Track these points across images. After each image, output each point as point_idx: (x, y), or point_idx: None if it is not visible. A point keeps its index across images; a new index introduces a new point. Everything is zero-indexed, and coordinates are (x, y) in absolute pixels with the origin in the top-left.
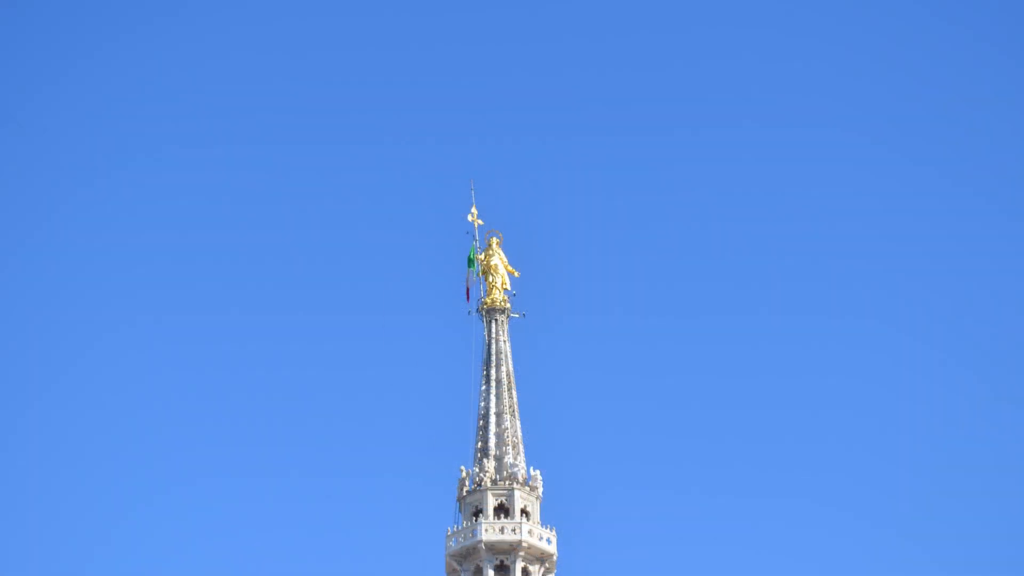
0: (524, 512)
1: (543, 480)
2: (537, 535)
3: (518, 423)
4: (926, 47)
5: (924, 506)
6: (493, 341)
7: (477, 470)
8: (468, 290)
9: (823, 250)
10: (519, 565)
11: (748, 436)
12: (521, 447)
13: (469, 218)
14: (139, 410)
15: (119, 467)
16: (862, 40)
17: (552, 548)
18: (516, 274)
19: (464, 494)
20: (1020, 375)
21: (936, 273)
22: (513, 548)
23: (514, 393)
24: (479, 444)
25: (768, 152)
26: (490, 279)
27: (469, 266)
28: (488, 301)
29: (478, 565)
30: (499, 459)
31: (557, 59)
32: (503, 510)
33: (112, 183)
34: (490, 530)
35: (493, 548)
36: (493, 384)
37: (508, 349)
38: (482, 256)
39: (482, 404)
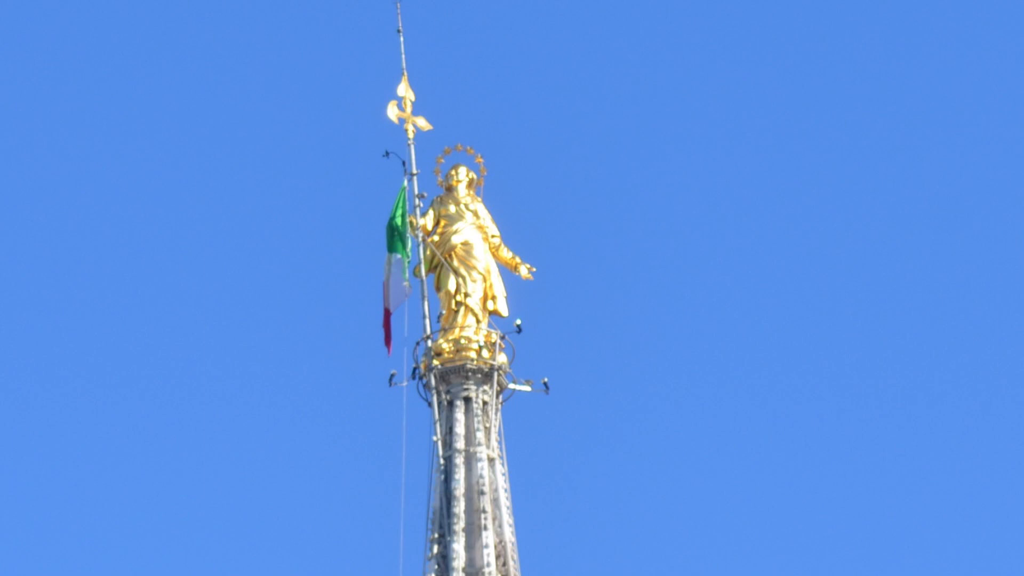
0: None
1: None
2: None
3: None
4: None
5: None
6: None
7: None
8: (388, 329)
9: None
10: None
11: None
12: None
13: (390, 110)
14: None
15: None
16: None
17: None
18: (530, 274)
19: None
20: None
21: None
22: None
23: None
24: None
25: None
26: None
27: (392, 250)
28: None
29: None
30: None
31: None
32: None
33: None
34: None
35: None
36: None
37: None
38: (428, 219)
39: None
